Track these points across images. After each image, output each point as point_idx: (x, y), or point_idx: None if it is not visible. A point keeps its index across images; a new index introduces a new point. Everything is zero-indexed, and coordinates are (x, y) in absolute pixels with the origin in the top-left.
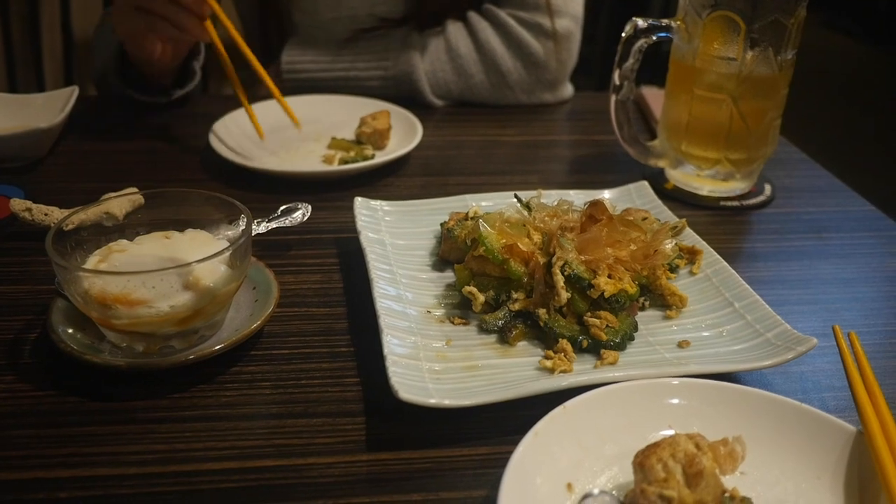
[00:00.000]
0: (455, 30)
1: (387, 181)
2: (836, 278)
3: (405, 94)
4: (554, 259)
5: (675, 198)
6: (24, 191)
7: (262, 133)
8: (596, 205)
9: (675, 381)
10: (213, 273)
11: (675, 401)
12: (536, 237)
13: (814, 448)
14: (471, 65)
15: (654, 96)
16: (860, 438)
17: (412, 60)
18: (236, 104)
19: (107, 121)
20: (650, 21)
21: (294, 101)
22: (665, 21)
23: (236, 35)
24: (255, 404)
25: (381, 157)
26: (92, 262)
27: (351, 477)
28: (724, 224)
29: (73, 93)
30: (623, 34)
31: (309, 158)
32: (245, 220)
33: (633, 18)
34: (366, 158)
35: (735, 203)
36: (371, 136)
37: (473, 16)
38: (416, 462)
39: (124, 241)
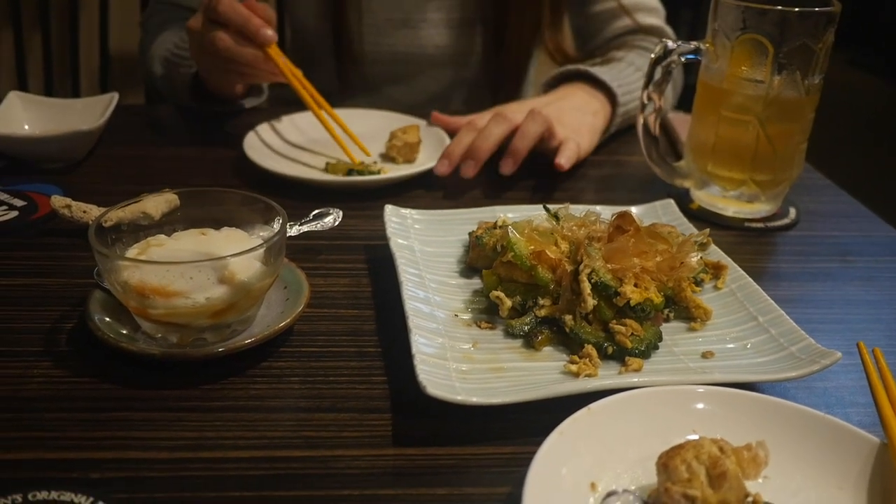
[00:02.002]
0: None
1: (416, 193)
2: (861, 300)
3: None
4: (581, 266)
5: (701, 218)
6: (62, 190)
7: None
8: (623, 216)
9: (700, 389)
10: (248, 268)
11: (700, 406)
12: (564, 246)
13: (837, 458)
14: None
15: (679, 120)
16: (883, 450)
17: None
18: (270, 114)
19: (143, 128)
20: (679, 42)
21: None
22: (694, 43)
23: (294, 81)
24: (283, 398)
25: (411, 169)
26: (131, 254)
27: (377, 470)
28: (748, 244)
29: (112, 99)
30: (653, 55)
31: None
32: (280, 219)
33: (663, 40)
34: (371, 173)
35: (760, 225)
36: (402, 150)
37: (647, 40)
38: (441, 458)
39: (162, 236)
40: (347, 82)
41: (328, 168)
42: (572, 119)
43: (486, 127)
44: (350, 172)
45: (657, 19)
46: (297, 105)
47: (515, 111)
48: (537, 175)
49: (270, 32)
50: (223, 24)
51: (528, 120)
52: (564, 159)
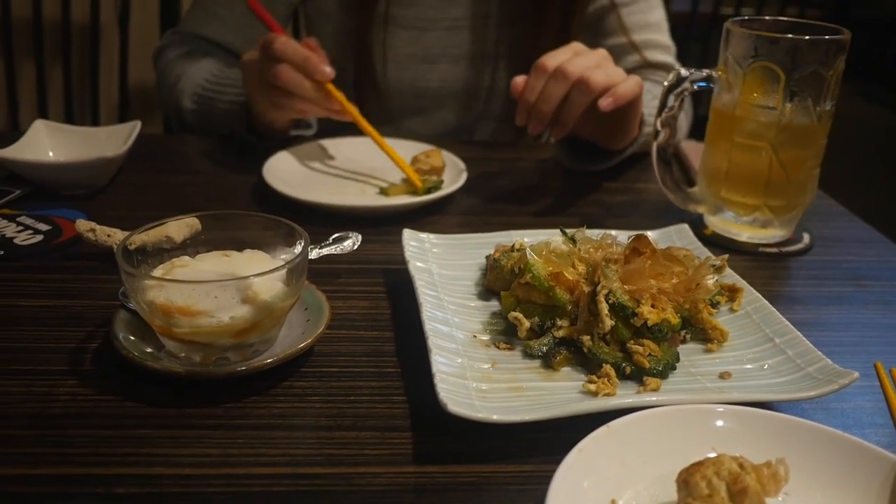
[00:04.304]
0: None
1: (432, 219)
2: (877, 323)
3: None
4: (598, 287)
5: (714, 244)
6: (87, 216)
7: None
8: (640, 238)
9: (719, 408)
10: (270, 289)
11: (719, 424)
12: (581, 267)
13: (857, 477)
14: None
15: (692, 149)
16: None
17: None
18: (288, 141)
19: (164, 156)
20: (692, 70)
21: (344, 142)
22: (706, 70)
23: (354, 112)
24: (305, 416)
25: (426, 196)
26: (157, 274)
27: (398, 487)
28: (762, 269)
29: (135, 127)
30: (665, 83)
31: (358, 194)
32: (302, 241)
33: (676, 67)
34: (438, 183)
35: (774, 250)
36: (427, 174)
37: (657, 75)
38: (461, 476)
39: (186, 258)
40: (368, 114)
41: (386, 192)
42: None
43: (546, 87)
44: (427, 191)
45: (668, 56)
46: (329, 134)
47: (577, 65)
48: (553, 200)
49: (329, 69)
50: (281, 61)
51: (575, 90)
52: (622, 89)
